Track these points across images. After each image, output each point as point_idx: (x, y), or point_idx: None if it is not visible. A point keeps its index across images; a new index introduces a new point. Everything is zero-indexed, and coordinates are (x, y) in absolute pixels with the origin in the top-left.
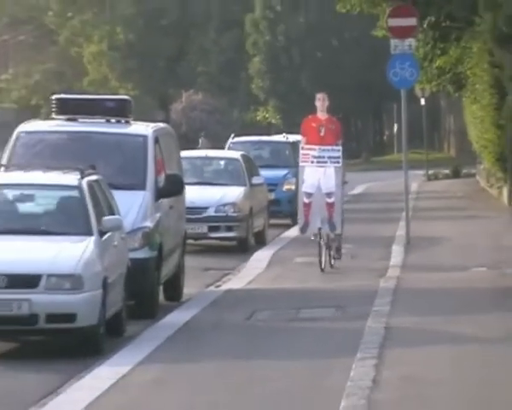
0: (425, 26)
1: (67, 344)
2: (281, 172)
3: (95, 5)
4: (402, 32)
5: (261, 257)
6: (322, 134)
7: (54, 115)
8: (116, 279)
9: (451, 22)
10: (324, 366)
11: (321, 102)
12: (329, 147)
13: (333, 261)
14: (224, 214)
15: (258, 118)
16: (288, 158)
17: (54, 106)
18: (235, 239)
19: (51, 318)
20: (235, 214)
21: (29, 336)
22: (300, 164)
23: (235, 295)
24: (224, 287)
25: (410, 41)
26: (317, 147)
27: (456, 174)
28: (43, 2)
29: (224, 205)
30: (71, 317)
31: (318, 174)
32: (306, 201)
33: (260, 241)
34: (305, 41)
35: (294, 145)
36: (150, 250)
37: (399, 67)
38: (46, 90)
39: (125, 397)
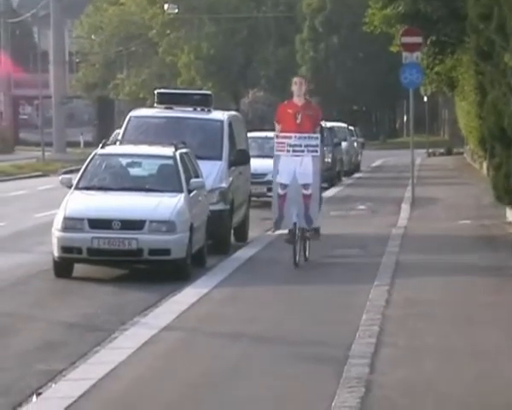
0: (428, 43)
1: (164, 271)
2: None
3: (186, 25)
4: (411, 48)
5: None
6: (298, 121)
7: (156, 105)
8: (199, 225)
9: (447, 40)
10: (351, 290)
11: (297, 86)
12: (306, 134)
13: (307, 253)
14: None
15: None
16: (326, 139)
17: (156, 98)
18: None
19: (152, 252)
20: None
21: (136, 265)
22: (275, 153)
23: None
24: (277, 232)
25: (417, 54)
26: (293, 135)
27: (449, 152)
28: (148, 23)
29: None
30: (166, 251)
31: (294, 164)
32: (281, 192)
33: None
34: (339, 55)
35: (331, 130)
36: (224, 204)
37: (409, 72)
38: (150, 86)
39: (206, 310)
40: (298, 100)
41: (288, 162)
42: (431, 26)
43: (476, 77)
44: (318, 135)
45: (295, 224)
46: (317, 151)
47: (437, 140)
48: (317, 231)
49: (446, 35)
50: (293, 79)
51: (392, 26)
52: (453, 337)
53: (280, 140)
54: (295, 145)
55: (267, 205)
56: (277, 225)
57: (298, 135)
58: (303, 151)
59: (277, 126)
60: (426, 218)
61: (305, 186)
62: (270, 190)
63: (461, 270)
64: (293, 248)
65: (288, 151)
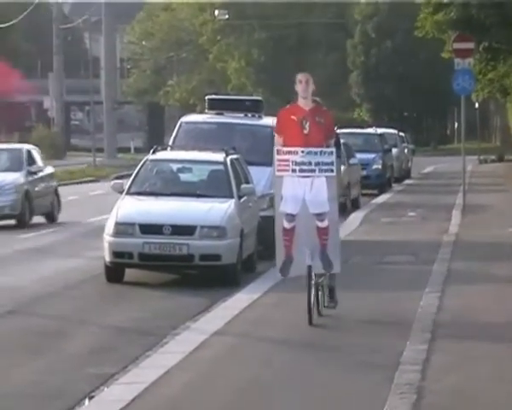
0: (480, 49)
1: (214, 277)
2: (370, 156)
3: (236, 31)
4: (463, 54)
5: (356, 217)
6: (306, 131)
7: (206, 111)
8: (250, 231)
9: (500, 47)
10: (401, 297)
11: (303, 85)
12: (318, 149)
13: (321, 305)
14: None
15: (354, 116)
16: (376, 145)
17: (207, 104)
18: None
19: (203, 257)
20: None
21: (187, 271)
22: (276, 174)
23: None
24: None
25: (469, 60)
26: (299, 149)
27: (500, 159)
28: (199, 29)
29: None
30: (217, 257)
31: (302, 188)
32: (288, 226)
33: (355, 205)
34: (391, 60)
35: (381, 136)
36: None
37: (461, 79)
38: (200, 92)
39: (256, 315)
40: (304, 103)
41: (294, 186)
42: (483, 32)
43: None
44: (333, 149)
45: (310, 267)
46: (332, 170)
47: (488, 147)
48: (332, 292)
49: (499, 41)
50: (297, 77)
51: (444, 31)
52: (505, 346)
53: (282, 157)
54: (303, 163)
55: None
56: (284, 270)
57: (306, 149)
58: (313, 171)
59: (278, 139)
60: (477, 225)
61: (320, 217)
62: None
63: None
64: (307, 301)
65: (294, 171)
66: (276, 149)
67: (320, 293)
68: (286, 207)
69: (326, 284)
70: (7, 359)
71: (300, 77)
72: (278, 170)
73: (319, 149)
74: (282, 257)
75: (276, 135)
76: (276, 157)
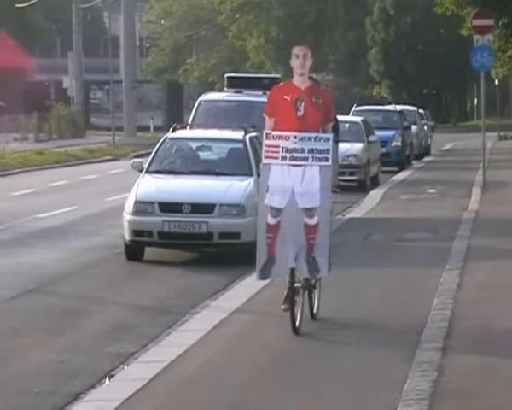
0: (500, 25)
1: (233, 255)
2: (390, 133)
3: (255, 9)
4: (482, 30)
5: (375, 194)
6: (300, 113)
7: (225, 89)
8: None
9: None
10: (421, 274)
11: (300, 60)
12: (313, 134)
13: (315, 309)
14: (348, 163)
15: (373, 93)
16: (396, 122)
17: (225, 82)
18: (356, 181)
19: (222, 235)
20: (356, 163)
21: (206, 249)
22: (264, 161)
23: (355, 221)
24: (348, 216)
25: (489, 36)
26: (291, 134)
27: None
28: (217, 7)
29: (348, 156)
30: (236, 235)
31: (292, 178)
32: (272, 222)
33: (375, 183)
34: (410, 37)
35: (401, 113)
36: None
37: (480, 55)
38: (219, 70)
39: (276, 293)
40: (300, 81)
41: (284, 176)
42: (503, 7)
43: None
44: (330, 134)
45: (292, 270)
46: (327, 159)
47: (508, 123)
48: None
49: None
50: (293, 50)
51: (463, 8)
52: None
53: (271, 142)
54: (295, 150)
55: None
56: (264, 272)
57: (299, 135)
58: (306, 159)
59: (268, 121)
60: (497, 201)
61: (309, 212)
62: (339, 173)
63: None
64: (290, 308)
65: (284, 158)
66: (265, 132)
67: (314, 294)
68: (272, 200)
69: (319, 286)
70: (27, 337)
71: (296, 50)
72: (266, 157)
73: (314, 135)
74: (264, 257)
75: (266, 117)
76: (265, 142)
